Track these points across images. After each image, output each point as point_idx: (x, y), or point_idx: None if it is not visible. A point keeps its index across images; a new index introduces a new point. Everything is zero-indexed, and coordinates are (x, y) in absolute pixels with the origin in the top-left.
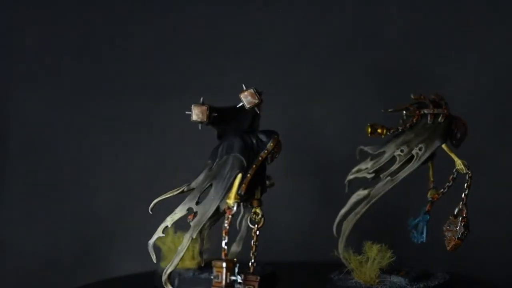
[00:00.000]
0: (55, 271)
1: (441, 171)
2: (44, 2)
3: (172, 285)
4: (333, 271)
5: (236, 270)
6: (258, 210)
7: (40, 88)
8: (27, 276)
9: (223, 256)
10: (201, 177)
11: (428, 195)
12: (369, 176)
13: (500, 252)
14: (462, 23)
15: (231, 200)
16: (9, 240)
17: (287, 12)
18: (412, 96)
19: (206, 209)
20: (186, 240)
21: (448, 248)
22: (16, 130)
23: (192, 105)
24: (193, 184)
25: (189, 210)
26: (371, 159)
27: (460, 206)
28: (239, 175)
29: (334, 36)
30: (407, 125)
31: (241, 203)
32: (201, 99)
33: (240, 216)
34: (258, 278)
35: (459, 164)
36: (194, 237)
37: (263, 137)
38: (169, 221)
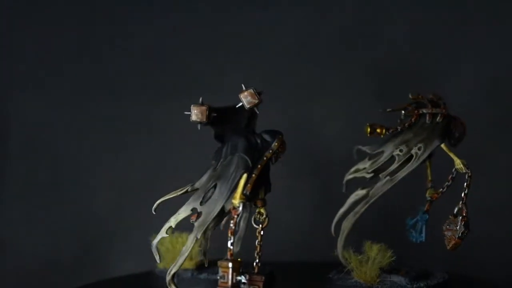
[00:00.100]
0: (55, 271)
1: (441, 170)
2: (44, 2)
3: (176, 285)
4: (332, 271)
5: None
6: (262, 210)
7: (40, 88)
8: (27, 276)
9: (228, 256)
10: (205, 177)
11: (427, 195)
12: (368, 176)
13: (500, 252)
14: (462, 23)
15: (236, 200)
16: (9, 240)
17: (287, 12)
18: (410, 96)
19: (211, 209)
20: (190, 240)
21: (448, 247)
22: (16, 130)
23: (192, 105)
24: (197, 185)
25: (193, 210)
26: (369, 159)
27: (460, 206)
28: (244, 175)
29: (334, 36)
30: (406, 124)
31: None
32: (200, 99)
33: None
34: (263, 278)
35: (458, 163)
36: (198, 237)
37: (267, 137)
38: (173, 222)
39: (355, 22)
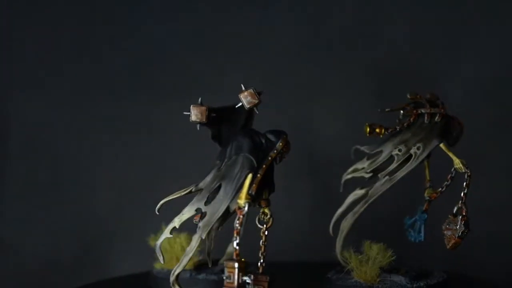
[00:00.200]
0: (55, 271)
1: (440, 170)
2: (44, 2)
3: (180, 286)
4: (331, 271)
5: None
6: (266, 210)
7: (40, 88)
8: (27, 276)
9: (234, 256)
10: (209, 177)
11: (426, 194)
12: (367, 175)
13: (500, 252)
14: (462, 23)
15: (242, 200)
16: (9, 240)
17: (287, 12)
18: (408, 96)
19: (216, 210)
20: (195, 240)
21: (448, 246)
22: (16, 130)
23: (191, 106)
24: (201, 185)
25: (198, 210)
26: (368, 159)
27: (460, 205)
28: (250, 175)
29: (334, 36)
30: (405, 124)
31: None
32: (199, 99)
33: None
34: (268, 278)
35: (457, 163)
36: (203, 237)
37: (272, 137)
38: (177, 222)
39: (355, 22)
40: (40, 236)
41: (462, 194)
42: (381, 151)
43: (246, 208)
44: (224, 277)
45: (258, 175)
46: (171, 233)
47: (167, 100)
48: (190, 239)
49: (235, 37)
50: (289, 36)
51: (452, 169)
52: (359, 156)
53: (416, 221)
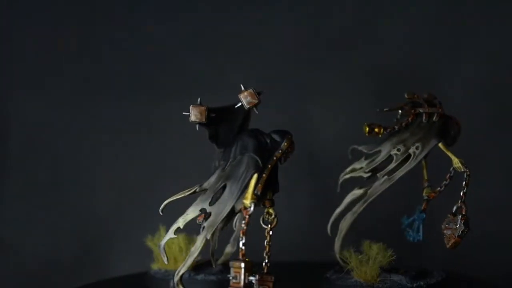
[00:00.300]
0: (55, 271)
1: (438, 170)
2: (44, 2)
3: (184, 286)
4: (330, 270)
5: None
6: (271, 210)
7: (40, 88)
8: (27, 276)
9: (240, 256)
10: (213, 177)
11: (424, 194)
12: (365, 175)
13: (500, 252)
14: (462, 23)
15: (248, 200)
16: (9, 240)
17: (287, 12)
18: (406, 96)
19: (221, 210)
20: (200, 241)
21: (447, 246)
22: (16, 130)
23: (191, 106)
24: (206, 185)
25: (202, 210)
26: (366, 158)
27: (459, 204)
28: (255, 175)
29: (334, 36)
30: (403, 124)
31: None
32: (199, 99)
33: (236, 217)
34: (273, 278)
35: (456, 162)
36: (208, 237)
37: (276, 137)
38: (181, 222)
39: (355, 22)
40: (40, 236)
41: (461, 193)
42: (379, 151)
43: (252, 208)
44: (230, 277)
45: (264, 175)
46: (175, 233)
47: (167, 100)
48: (188, 240)
49: (235, 37)
50: (289, 36)
51: (451, 169)
52: (357, 156)
53: (414, 221)
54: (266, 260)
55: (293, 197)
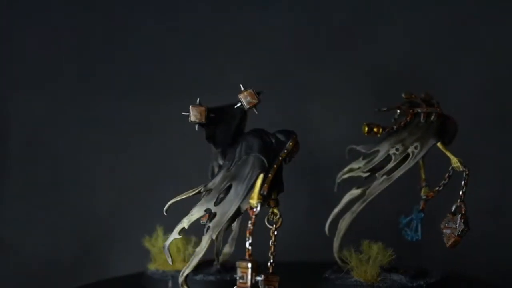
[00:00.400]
0: (55, 271)
1: (436, 170)
2: (44, 2)
3: (188, 286)
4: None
5: None
6: (276, 210)
7: (40, 88)
8: (27, 276)
9: (247, 256)
10: (218, 177)
11: (422, 193)
12: (364, 175)
13: (499, 251)
14: (462, 23)
15: (254, 200)
16: (9, 240)
17: (287, 12)
18: (403, 95)
19: (226, 210)
20: (205, 241)
21: (447, 245)
22: (16, 130)
23: (190, 106)
24: (210, 185)
25: (207, 211)
26: (364, 158)
27: (458, 203)
28: (261, 175)
29: (334, 36)
30: (401, 124)
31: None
32: (198, 100)
33: None
34: (279, 278)
35: (455, 162)
36: (214, 238)
37: (281, 137)
38: (185, 223)
39: (355, 22)
40: (40, 236)
41: (460, 193)
42: (377, 151)
43: (258, 208)
44: (237, 278)
45: (270, 175)
46: (179, 233)
47: (167, 100)
48: (186, 241)
49: (235, 37)
50: (289, 36)
51: (450, 168)
52: (355, 155)
53: (412, 220)
54: (272, 260)
55: (293, 197)
